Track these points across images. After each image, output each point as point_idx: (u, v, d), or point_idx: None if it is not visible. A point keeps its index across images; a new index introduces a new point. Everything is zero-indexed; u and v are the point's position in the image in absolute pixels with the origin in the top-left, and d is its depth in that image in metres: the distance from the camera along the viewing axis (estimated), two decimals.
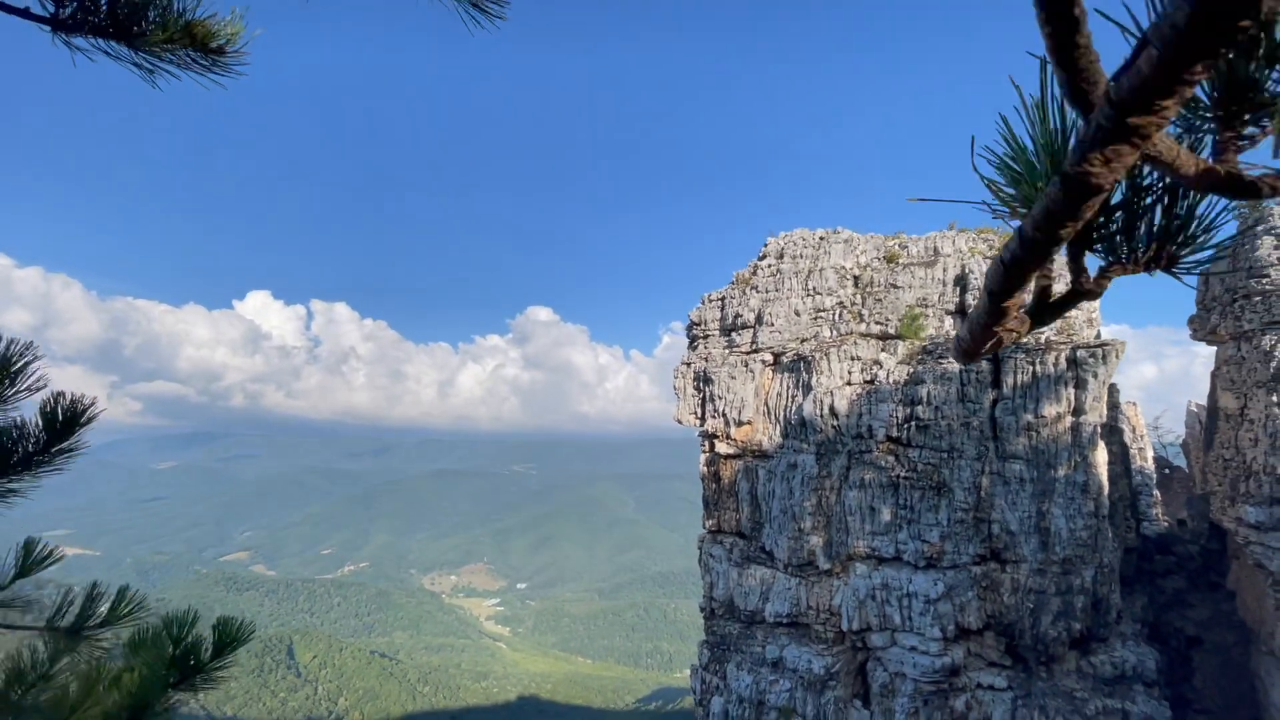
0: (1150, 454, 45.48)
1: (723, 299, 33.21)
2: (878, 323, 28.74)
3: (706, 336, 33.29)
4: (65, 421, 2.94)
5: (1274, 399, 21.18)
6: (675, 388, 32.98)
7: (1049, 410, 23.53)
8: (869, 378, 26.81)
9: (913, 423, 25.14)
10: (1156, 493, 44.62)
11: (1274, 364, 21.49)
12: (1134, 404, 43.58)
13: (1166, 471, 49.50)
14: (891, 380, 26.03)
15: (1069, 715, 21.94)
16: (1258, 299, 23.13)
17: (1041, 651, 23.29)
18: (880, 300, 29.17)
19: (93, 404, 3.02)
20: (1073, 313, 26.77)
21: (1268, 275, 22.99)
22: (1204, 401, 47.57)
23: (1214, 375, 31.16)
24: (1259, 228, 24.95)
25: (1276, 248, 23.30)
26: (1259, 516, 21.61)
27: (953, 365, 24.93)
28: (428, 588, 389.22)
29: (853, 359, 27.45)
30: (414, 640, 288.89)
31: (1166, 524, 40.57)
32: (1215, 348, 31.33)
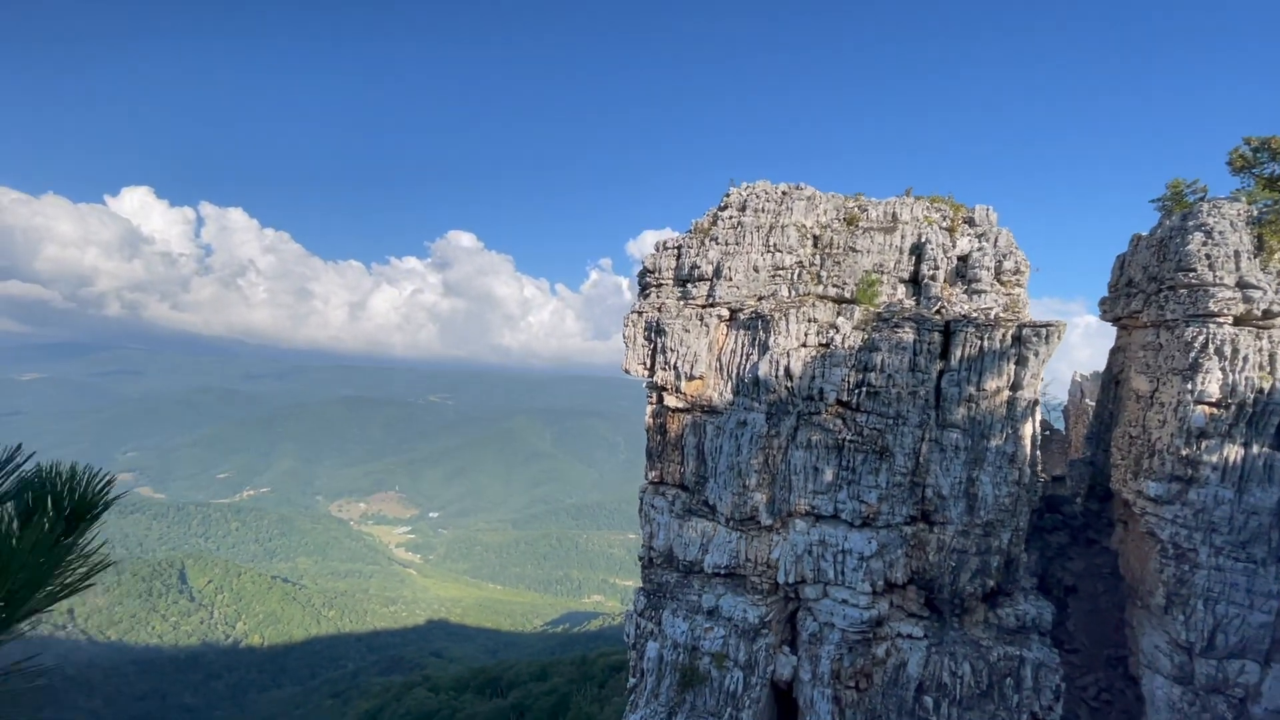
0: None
1: (679, 247, 32.06)
2: (835, 286, 28.70)
3: (660, 285, 32.23)
4: None
5: (1188, 386, 23.00)
6: (625, 336, 31.99)
7: (990, 384, 24.55)
8: (824, 341, 26.91)
9: (863, 388, 25.60)
10: (1038, 452, 49.00)
11: (1192, 354, 23.21)
12: None
13: (1047, 434, 54.13)
14: (846, 345, 26.23)
15: (975, 661, 23.99)
16: (1183, 291, 24.73)
17: (957, 605, 25.16)
18: (839, 263, 29.06)
19: None
20: (1017, 289, 27.78)
21: (1194, 270, 24.53)
22: (1087, 372, 52.14)
23: (1117, 353, 33.75)
24: (1189, 224, 26.47)
25: (1204, 244, 24.81)
26: (1158, 491, 23.82)
27: (908, 335, 25.34)
28: (335, 514, 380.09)
29: (810, 320, 27.39)
30: (319, 566, 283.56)
31: (1044, 479, 44.45)
32: (1118, 328, 33.88)
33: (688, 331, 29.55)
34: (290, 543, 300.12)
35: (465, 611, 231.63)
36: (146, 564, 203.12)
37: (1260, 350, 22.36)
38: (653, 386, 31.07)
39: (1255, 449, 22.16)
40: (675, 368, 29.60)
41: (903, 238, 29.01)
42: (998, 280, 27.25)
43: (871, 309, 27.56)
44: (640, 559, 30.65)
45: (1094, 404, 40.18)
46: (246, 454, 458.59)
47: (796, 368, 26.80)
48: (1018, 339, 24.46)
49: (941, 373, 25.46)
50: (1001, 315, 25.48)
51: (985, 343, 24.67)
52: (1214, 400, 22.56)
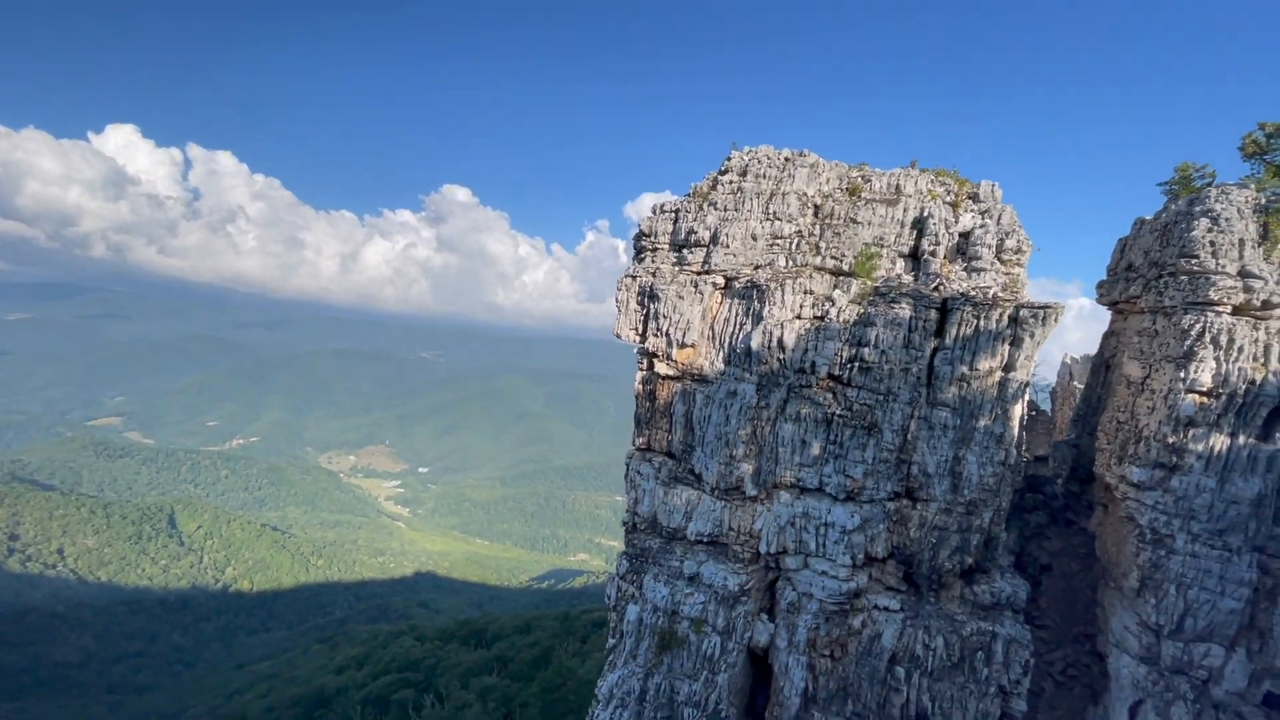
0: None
1: (676, 211, 31.28)
2: (833, 257, 28.14)
3: (655, 250, 31.56)
4: None
5: (1181, 375, 22.88)
6: (617, 300, 31.45)
7: (983, 364, 24.34)
8: (820, 314, 26.51)
9: (856, 363, 25.34)
10: (1023, 433, 49.45)
11: (1188, 342, 23.03)
12: None
13: (1033, 414, 54.42)
14: (841, 319, 25.85)
15: (948, 635, 24.43)
16: (1184, 278, 24.40)
17: (935, 580, 25.49)
18: (839, 234, 28.45)
19: None
20: (1017, 269, 27.36)
21: (1197, 256, 24.15)
22: (1077, 355, 52.22)
23: (1110, 338, 33.62)
24: (1196, 209, 25.96)
25: (1210, 230, 24.37)
26: (1141, 477, 23.94)
27: (904, 311, 24.97)
28: (324, 466, 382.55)
29: (806, 292, 26.93)
30: (308, 516, 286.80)
31: (1027, 459, 44.81)
32: (1113, 312, 33.68)
33: (681, 298, 29.05)
34: (280, 492, 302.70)
35: (452, 565, 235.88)
36: (136, 507, 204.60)
37: (1256, 341, 22.20)
38: (644, 353, 30.70)
39: (1241, 439, 22.20)
40: (667, 334, 29.19)
41: (905, 211, 28.36)
42: (998, 259, 26.79)
43: (869, 283, 27.10)
44: (624, 523, 30.79)
45: (1082, 387, 40.27)
46: (236, 402, 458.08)
47: (789, 340, 26.45)
48: (1014, 320, 24.15)
49: (935, 351, 25.20)
50: (1000, 295, 25.11)
51: (981, 322, 24.36)
52: (1205, 389, 22.49)
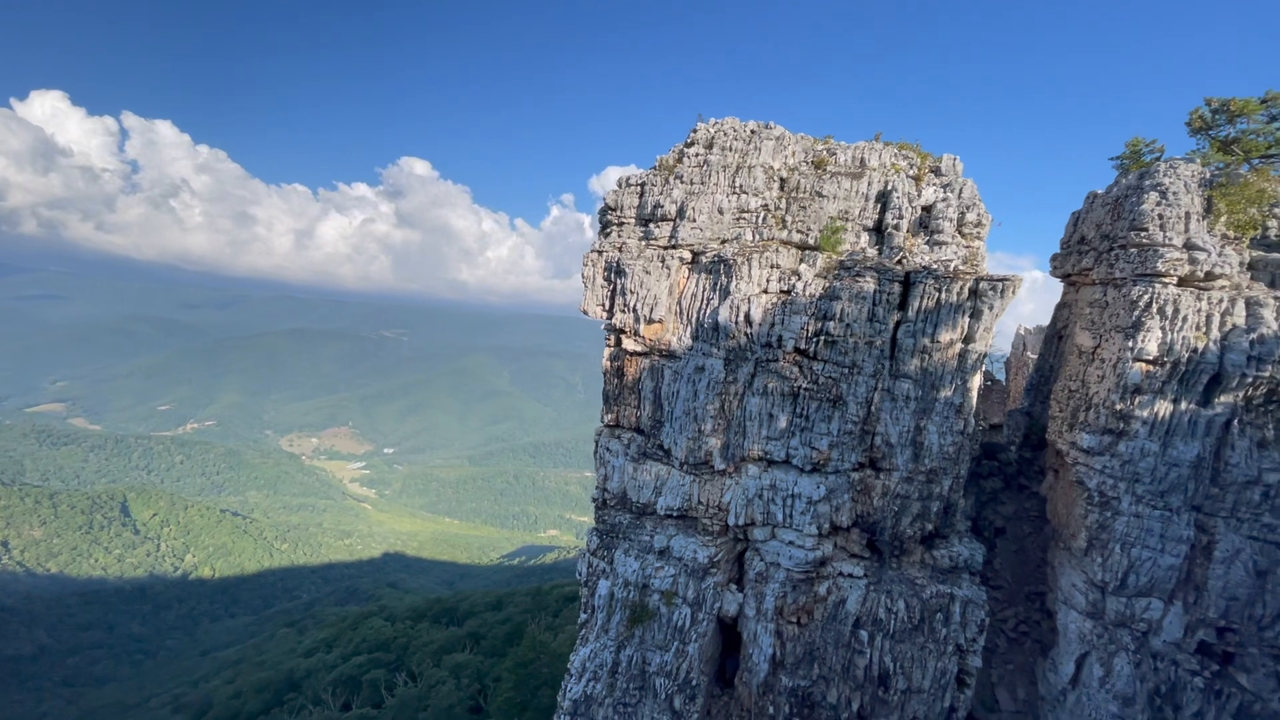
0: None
1: (642, 185, 30.82)
2: (799, 231, 28.19)
3: (621, 224, 31.12)
4: None
5: (1129, 344, 23.75)
6: (584, 276, 31.01)
7: (944, 336, 24.85)
8: (786, 288, 26.61)
9: (822, 337, 25.59)
10: (978, 402, 51.37)
11: (1136, 313, 23.88)
12: None
13: (988, 384, 56.19)
14: (808, 293, 26.01)
15: (909, 598, 25.30)
16: (1134, 250, 25.19)
17: (897, 547, 26.29)
18: (805, 208, 28.46)
19: None
20: (977, 242, 27.85)
21: (1146, 229, 24.94)
22: (1030, 325, 53.96)
23: (1063, 309, 34.71)
24: (1145, 183, 26.73)
25: (1159, 204, 25.15)
26: (1091, 443, 24.94)
27: (868, 285, 25.23)
28: (286, 449, 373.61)
29: (773, 267, 26.96)
30: (270, 500, 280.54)
31: (982, 427, 46.32)
32: (1066, 284, 34.73)
33: (648, 273, 28.78)
34: (239, 477, 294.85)
35: (421, 545, 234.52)
36: (85, 496, 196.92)
37: (1199, 311, 23.13)
38: (611, 329, 30.44)
39: (1183, 405, 23.26)
40: (635, 310, 28.97)
41: (869, 185, 28.49)
42: (959, 232, 27.21)
43: (834, 257, 27.27)
44: (594, 500, 30.83)
45: (1035, 357, 41.64)
46: (189, 385, 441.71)
47: (757, 314, 26.53)
48: (974, 292, 24.65)
49: (898, 324, 25.60)
50: (961, 268, 25.57)
51: (943, 295, 24.79)
52: (1152, 358, 23.42)
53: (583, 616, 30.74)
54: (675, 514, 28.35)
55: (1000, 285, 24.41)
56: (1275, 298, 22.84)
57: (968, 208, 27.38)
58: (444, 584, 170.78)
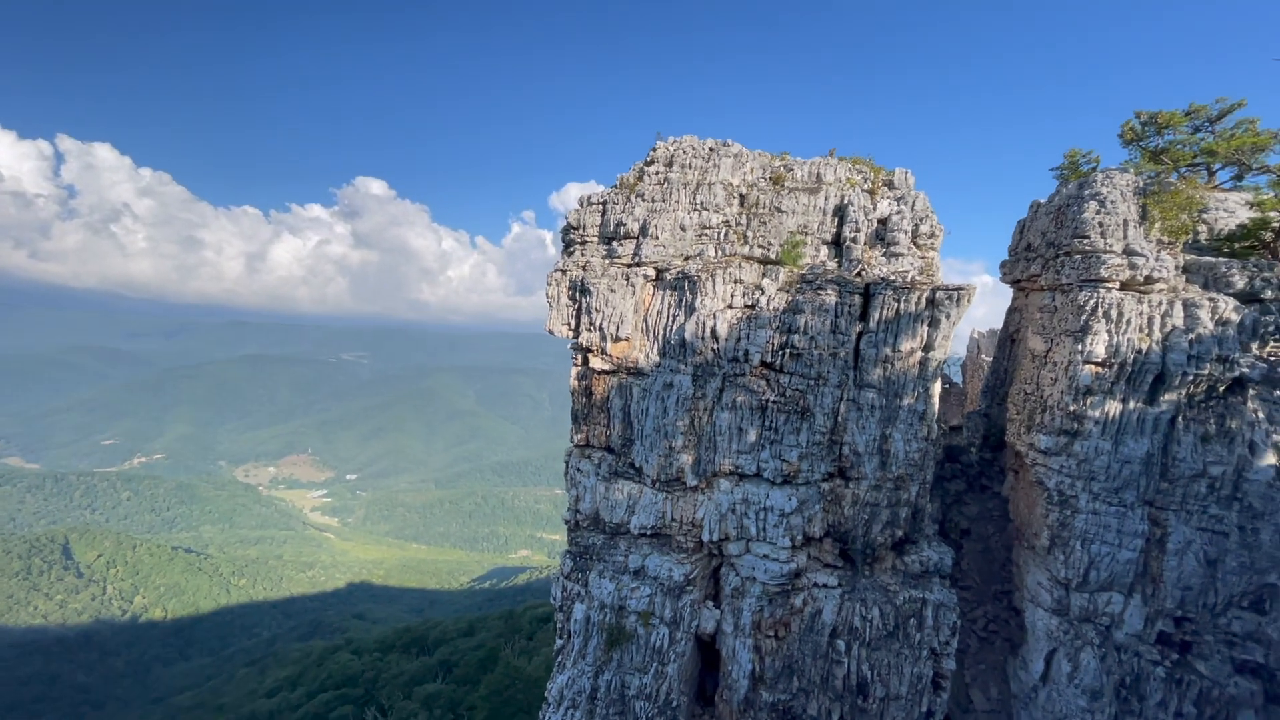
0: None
1: (604, 203, 30.86)
2: (761, 246, 28.57)
3: (584, 243, 31.05)
4: None
5: (1078, 347, 24.69)
6: (548, 296, 30.79)
7: (905, 345, 25.41)
8: (750, 302, 26.87)
9: (787, 350, 25.88)
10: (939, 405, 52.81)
11: (1084, 317, 24.86)
12: None
13: (946, 387, 57.82)
14: (771, 307, 26.31)
15: (883, 605, 25.57)
16: (1078, 257, 26.29)
17: (869, 554, 26.58)
18: (765, 223, 28.89)
19: None
20: (931, 253, 28.67)
21: (1088, 237, 26.07)
22: (984, 329, 55.79)
23: (1014, 314, 35.96)
24: (1085, 192, 28.00)
25: (1098, 212, 26.35)
26: (1048, 443, 25.76)
27: (830, 297, 25.68)
28: (241, 480, 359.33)
29: (736, 282, 27.22)
30: (226, 534, 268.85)
31: (943, 429, 47.49)
32: (1015, 290, 36.03)
33: (613, 291, 28.73)
34: (192, 511, 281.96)
35: (388, 573, 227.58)
36: (22, 540, 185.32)
37: (1141, 314, 24.22)
38: (578, 348, 30.23)
39: (1131, 404, 24.25)
40: (601, 329, 28.85)
41: (826, 199, 29.12)
42: (914, 244, 27.97)
43: (796, 270, 27.70)
44: (566, 522, 30.39)
45: (990, 360, 42.99)
46: (134, 418, 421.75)
47: (723, 329, 26.70)
48: (931, 301, 25.31)
49: (861, 334, 26.09)
50: (918, 278, 26.24)
51: (901, 305, 25.39)
52: (1100, 360, 24.38)
53: (559, 642, 30.13)
54: (649, 533, 28.13)
55: (956, 294, 25.12)
56: (1209, 299, 24.08)
57: (921, 219, 28.19)
58: (413, 612, 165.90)
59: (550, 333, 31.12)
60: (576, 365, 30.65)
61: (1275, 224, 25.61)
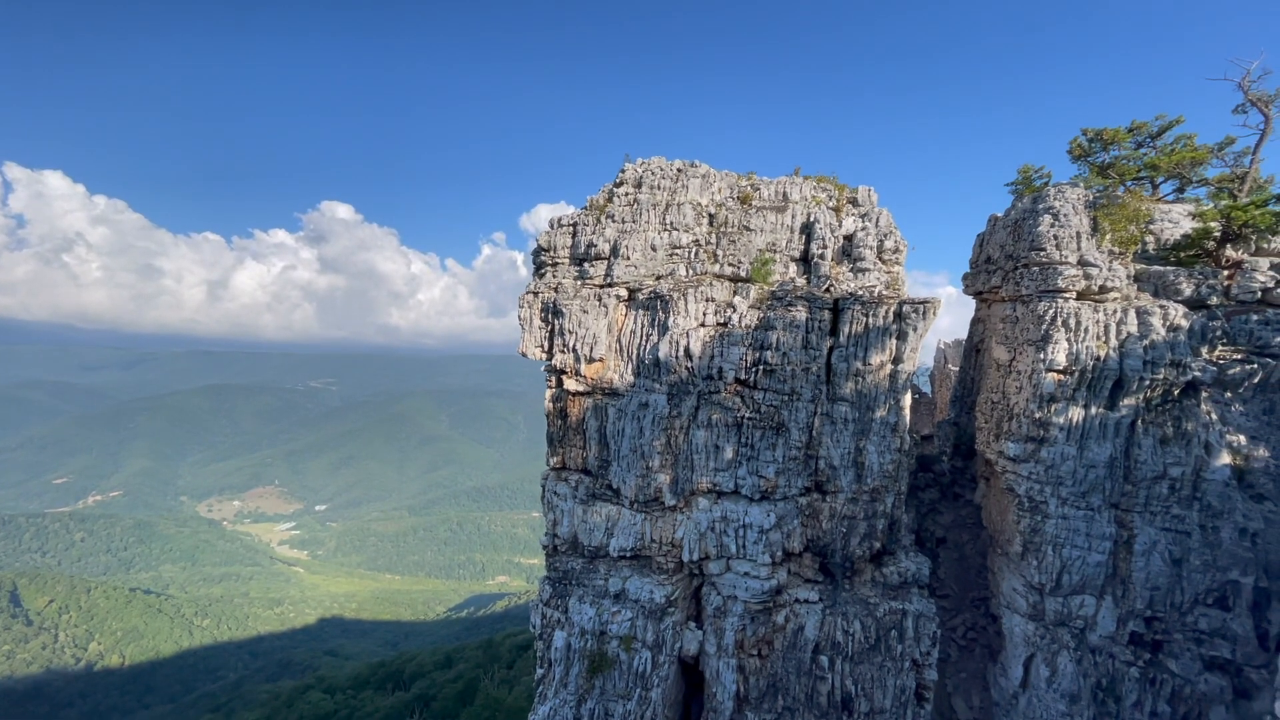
0: None
1: (575, 225, 30.94)
2: (731, 264, 28.90)
3: (556, 265, 31.03)
4: None
5: (1041, 356, 25.43)
6: (521, 318, 30.60)
7: (875, 359, 25.85)
8: (722, 320, 27.09)
9: (760, 366, 26.10)
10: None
11: (1044, 327, 25.64)
12: None
13: (916, 397, 58.81)
14: (743, 325, 26.56)
15: (864, 619, 25.64)
16: (1035, 269, 27.17)
17: (848, 567, 26.69)
18: (734, 242, 29.26)
19: None
20: (896, 267, 29.34)
21: (1044, 249, 26.99)
22: (950, 339, 57.17)
23: (977, 324, 36.90)
24: (1039, 206, 29.04)
25: (1053, 225, 27.33)
26: (1016, 451, 26.34)
27: (800, 313, 26.04)
28: (204, 515, 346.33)
29: (708, 300, 27.44)
30: (188, 573, 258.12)
31: (914, 439, 48.17)
32: (978, 301, 37.04)
33: (586, 312, 28.70)
34: (151, 550, 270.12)
35: (361, 605, 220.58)
36: None
37: (1098, 322, 25.08)
38: (552, 370, 30.04)
39: (1093, 410, 24.99)
40: (574, 350, 28.73)
41: (793, 217, 29.65)
42: (880, 259, 28.61)
43: (766, 288, 28.05)
44: (544, 547, 29.90)
45: (957, 369, 43.93)
46: (89, 455, 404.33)
47: (696, 348, 26.83)
48: (899, 315, 25.84)
49: (832, 349, 26.46)
50: (884, 293, 26.79)
51: (870, 319, 25.86)
52: (1061, 368, 25.12)
53: (539, 671, 29.45)
54: (629, 555, 27.83)
55: (922, 307, 25.70)
56: (1160, 306, 25.07)
57: (885, 235, 28.87)
58: (388, 646, 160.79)
59: (524, 355, 30.88)
60: (551, 387, 30.43)
61: (1216, 233, 26.87)
